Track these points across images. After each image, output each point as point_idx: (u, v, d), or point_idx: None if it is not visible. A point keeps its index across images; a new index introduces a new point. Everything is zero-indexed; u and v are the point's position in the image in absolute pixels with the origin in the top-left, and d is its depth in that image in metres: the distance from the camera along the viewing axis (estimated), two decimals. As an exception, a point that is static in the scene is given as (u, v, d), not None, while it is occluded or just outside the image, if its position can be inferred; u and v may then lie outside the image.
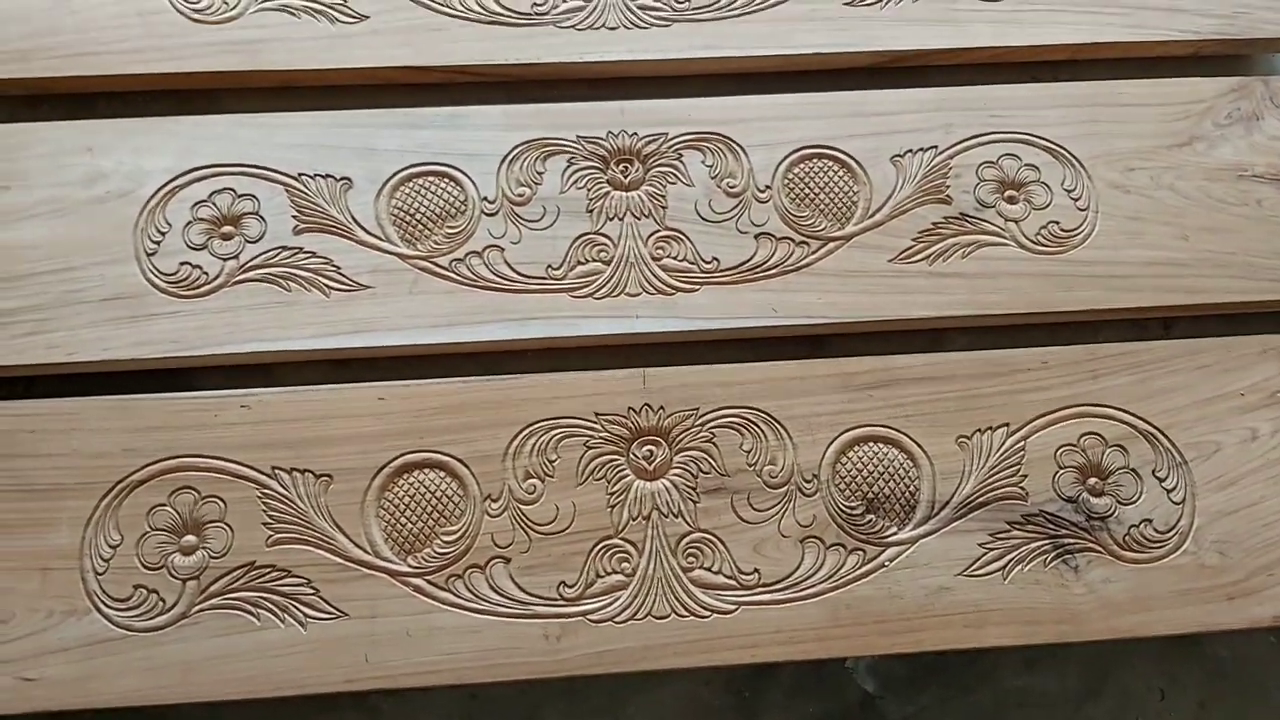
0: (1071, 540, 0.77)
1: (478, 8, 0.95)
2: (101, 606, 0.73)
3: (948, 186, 0.89)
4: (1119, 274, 0.87)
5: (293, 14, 0.94)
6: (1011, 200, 0.89)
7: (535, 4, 0.96)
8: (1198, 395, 0.82)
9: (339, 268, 0.85)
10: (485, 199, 0.88)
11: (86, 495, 0.75)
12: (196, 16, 0.93)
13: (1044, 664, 0.82)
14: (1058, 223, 0.89)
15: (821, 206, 0.89)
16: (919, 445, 0.79)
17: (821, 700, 0.80)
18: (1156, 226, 0.89)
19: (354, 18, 0.94)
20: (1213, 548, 0.77)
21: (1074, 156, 0.91)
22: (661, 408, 0.80)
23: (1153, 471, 0.79)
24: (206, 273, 0.84)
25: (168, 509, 0.75)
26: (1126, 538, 0.77)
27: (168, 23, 0.93)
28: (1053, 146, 0.91)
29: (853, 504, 0.77)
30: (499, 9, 0.95)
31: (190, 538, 0.75)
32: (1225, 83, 0.95)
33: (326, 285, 0.84)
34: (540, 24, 0.95)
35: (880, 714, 0.80)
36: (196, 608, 0.73)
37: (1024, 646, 0.80)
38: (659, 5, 0.96)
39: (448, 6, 0.95)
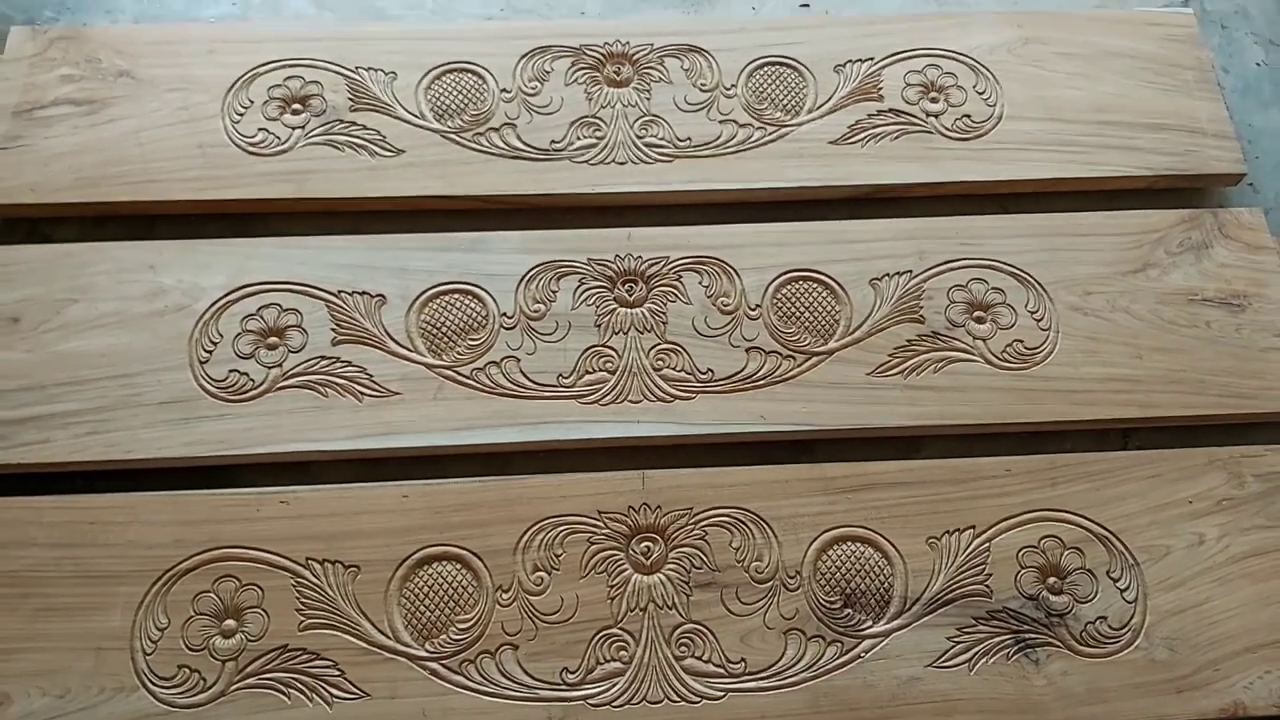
0: (1033, 635, 0.83)
1: (502, 144, 1.07)
2: (149, 684, 0.80)
3: (921, 307, 0.99)
4: (1079, 389, 0.96)
5: (337, 148, 1.06)
6: (980, 320, 0.99)
7: (553, 141, 1.07)
8: (1149, 502, 0.89)
9: (371, 375, 0.94)
10: (504, 314, 0.97)
11: (139, 582, 0.83)
12: (251, 149, 1.06)
13: (1013, 753, 0.87)
14: (1022, 341, 0.98)
15: (807, 324, 0.98)
16: (893, 545, 0.87)
17: (805, 785, 0.86)
18: (1113, 346, 0.98)
19: (391, 152, 1.06)
20: (1163, 644, 0.83)
21: (1037, 281, 1.01)
22: (659, 507, 0.88)
23: (1107, 572, 0.86)
24: (253, 379, 0.93)
25: (211, 595, 0.83)
26: (1083, 633, 0.84)
27: (225, 155, 1.05)
28: (1017, 271, 1.01)
29: (832, 599, 0.85)
30: (521, 145, 1.07)
31: (230, 622, 0.82)
32: (1177, 214, 1.05)
33: (360, 391, 0.93)
34: (558, 159, 1.07)
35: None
36: (234, 687, 0.80)
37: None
38: (663, 143, 1.07)
39: (474, 143, 1.07)
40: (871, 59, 1.13)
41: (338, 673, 0.81)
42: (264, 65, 1.10)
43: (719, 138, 1.08)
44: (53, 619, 0.82)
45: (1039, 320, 0.99)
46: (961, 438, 0.95)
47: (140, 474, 0.91)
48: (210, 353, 0.95)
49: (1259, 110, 1.19)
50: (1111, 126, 1.09)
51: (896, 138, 1.08)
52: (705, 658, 0.82)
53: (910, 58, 1.13)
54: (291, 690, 0.80)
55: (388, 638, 0.82)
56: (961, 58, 1.13)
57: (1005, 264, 1.01)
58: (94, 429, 0.91)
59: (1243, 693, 0.82)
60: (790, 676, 0.82)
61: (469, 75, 1.10)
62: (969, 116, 1.10)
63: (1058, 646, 0.83)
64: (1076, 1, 1.25)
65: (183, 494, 0.87)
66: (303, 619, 0.82)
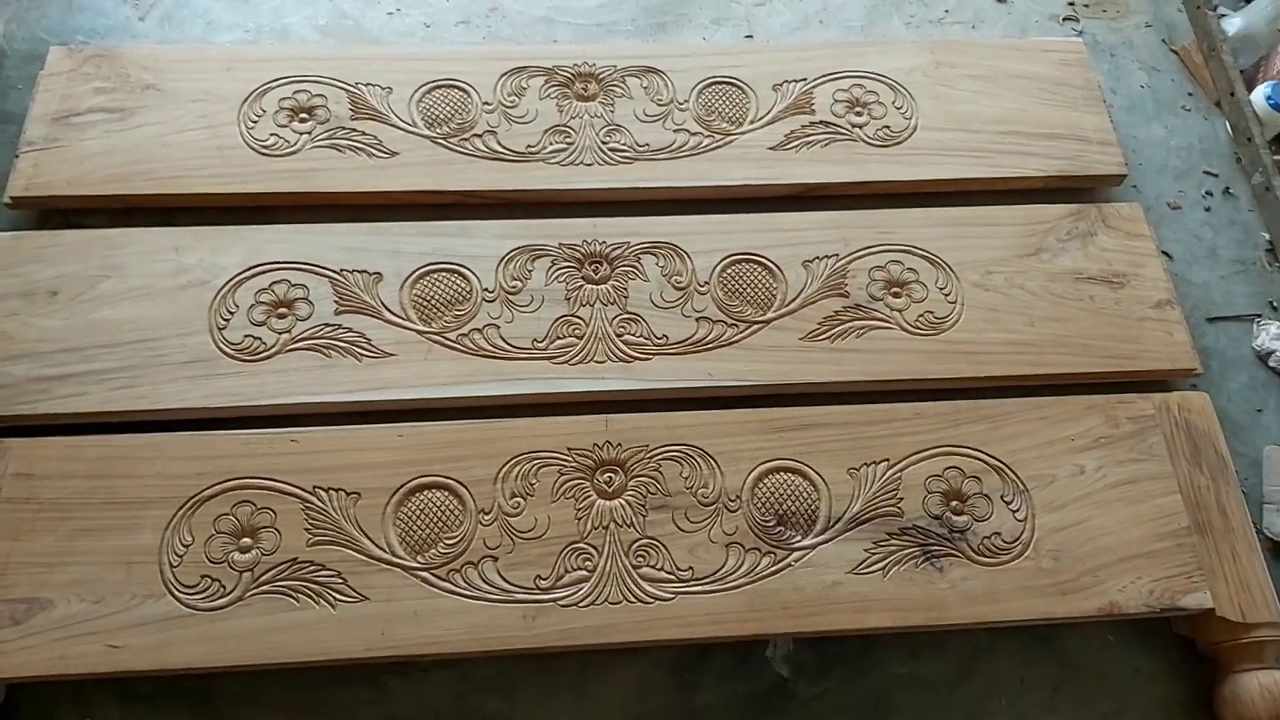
0: (937, 548, 0.98)
1: (484, 148, 1.22)
2: (175, 591, 0.92)
3: (846, 284, 1.15)
4: (980, 351, 1.11)
5: (339, 150, 1.21)
6: (896, 295, 1.14)
7: (529, 146, 1.23)
8: (1038, 440, 1.04)
9: (369, 340, 1.08)
10: (486, 289, 1.12)
11: (166, 507, 0.96)
12: (263, 151, 1.20)
13: (926, 654, 1.00)
14: (932, 312, 1.13)
15: (748, 298, 1.14)
16: (819, 474, 1.01)
17: (746, 682, 0.98)
18: (1010, 316, 1.14)
19: (386, 154, 1.21)
20: (1048, 555, 0.98)
21: (945, 262, 1.17)
22: (619, 445, 1.02)
23: (1001, 497, 1.01)
24: (265, 343, 1.07)
25: (230, 517, 0.96)
26: (980, 546, 0.98)
27: (240, 155, 1.20)
28: (929, 255, 1.17)
29: (767, 518, 0.98)
30: (500, 148, 1.22)
31: (247, 540, 0.95)
32: (1066, 208, 1.22)
33: (359, 353, 1.07)
34: (533, 160, 1.22)
35: (793, 694, 0.97)
36: (250, 593, 0.92)
37: (909, 639, 1.01)
38: (624, 148, 1.24)
39: (460, 147, 1.22)
40: (805, 79, 1.30)
41: (341, 581, 0.93)
42: (275, 80, 1.25)
43: (673, 144, 1.24)
44: (89, 538, 0.94)
45: (947, 295, 1.15)
46: (878, 393, 1.10)
47: (165, 424, 1.03)
48: (227, 320, 1.08)
49: (1142, 124, 1.37)
50: (1011, 136, 1.27)
51: (826, 145, 1.25)
52: (658, 566, 0.96)
53: (838, 78, 1.30)
54: (301, 595, 0.92)
55: (384, 552, 0.95)
56: (882, 78, 1.31)
57: (918, 249, 1.18)
58: (124, 384, 1.04)
59: (1117, 595, 0.96)
60: (731, 582, 0.95)
61: (455, 90, 1.26)
62: (888, 127, 1.27)
63: (958, 557, 0.97)
64: (983, 33, 1.44)
65: (204, 434, 1.00)
66: (310, 537, 0.95)
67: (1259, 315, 1.23)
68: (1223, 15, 1.42)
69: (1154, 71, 1.42)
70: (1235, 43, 1.38)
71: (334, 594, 0.93)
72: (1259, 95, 1.33)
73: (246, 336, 1.07)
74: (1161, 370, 1.12)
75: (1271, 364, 1.19)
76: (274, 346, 1.07)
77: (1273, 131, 1.34)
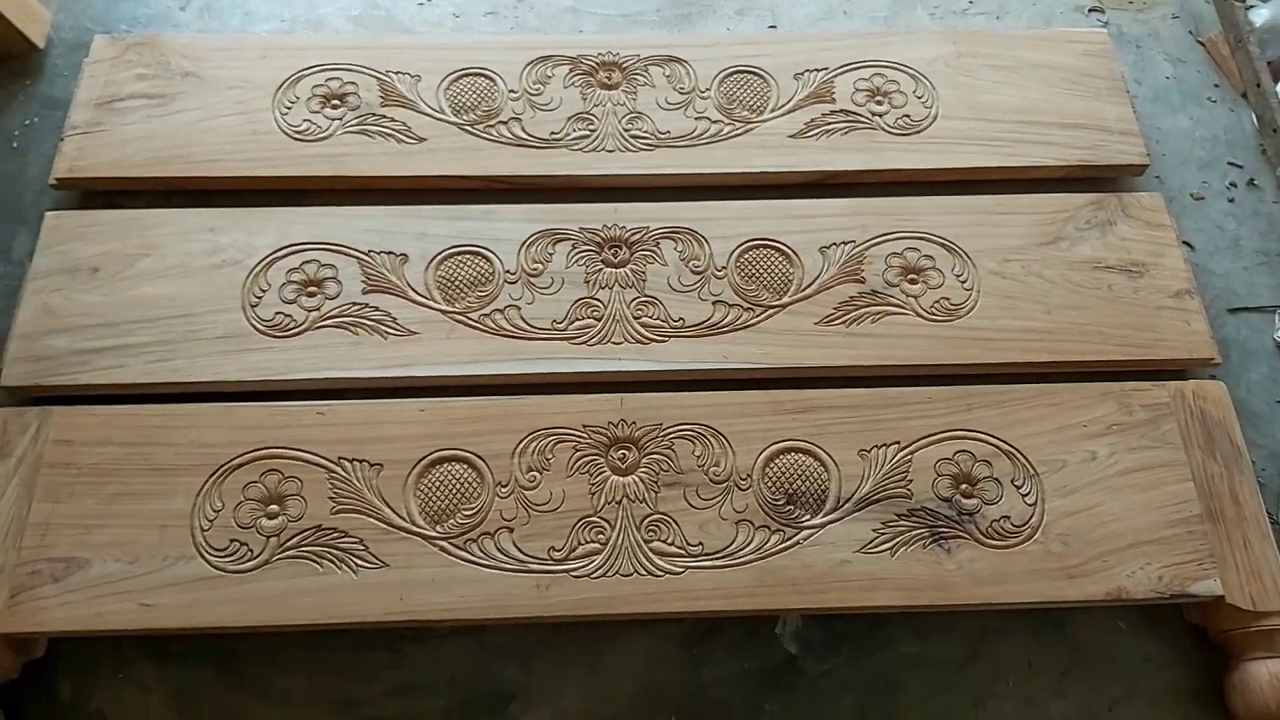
0: (945, 529, 0.99)
1: (509, 134, 1.25)
2: (205, 554, 0.96)
3: (863, 270, 1.16)
4: (996, 338, 1.12)
5: (369, 136, 1.25)
6: (912, 281, 1.16)
7: (553, 133, 1.26)
8: (1050, 425, 1.05)
9: (395, 319, 1.11)
10: (508, 271, 1.15)
11: (198, 474, 1.00)
12: (297, 136, 1.24)
13: (934, 635, 1.01)
14: (948, 298, 1.14)
15: (765, 283, 1.15)
16: (830, 455, 1.02)
17: (755, 658, 1.00)
18: (1026, 303, 1.14)
19: (415, 140, 1.24)
20: (1057, 539, 0.99)
21: (963, 250, 1.18)
22: (634, 423, 1.04)
23: (1011, 480, 1.02)
24: (295, 320, 1.11)
25: (259, 485, 0.99)
26: (989, 529, 0.99)
27: (275, 140, 1.24)
28: (946, 242, 1.18)
29: (777, 497, 1.00)
30: (525, 135, 1.25)
31: (274, 507, 0.98)
32: (1086, 197, 1.23)
33: (385, 331, 1.10)
34: (556, 147, 1.25)
35: (801, 670, 0.99)
36: (276, 557, 0.96)
37: (918, 619, 1.02)
38: (646, 135, 1.26)
39: (486, 134, 1.25)
40: (826, 68, 1.31)
41: (362, 548, 0.97)
42: (309, 68, 1.29)
43: (694, 131, 1.26)
44: (126, 502, 0.98)
45: (963, 282, 1.16)
46: (892, 378, 1.11)
47: (199, 396, 1.07)
48: (260, 298, 1.12)
49: (1167, 115, 1.37)
50: (1032, 125, 1.28)
51: (846, 133, 1.27)
52: (669, 541, 0.98)
53: (859, 68, 1.32)
54: (324, 561, 0.96)
55: (405, 521, 0.98)
56: (904, 68, 1.32)
57: (936, 236, 1.19)
58: (160, 358, 1.08)
59: (1125, 580, 0.97)
60: (740, 558, 0.97)
61: (482, 79, 1.30)
62: (909, 116, 1.28)
63: (966, 539, 0.99)
64: (1007, 24, 1.44)
65: (236, 405, 1.04)
66: (334, 505, 0.98)
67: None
68: (1250, 6, 1.41)
69: (1180, 63, 1.42)
70: (1263, 34, 1.37)
71: (356, 560, 0.96)
72: (1286, 86, 1.32)
73: (277, 314, 1.11)
74: (1179, 359, 1.12)
75: (1292, 355, 1.19)
76: (304, 323, 1.11)
77: (1300, 123, 1.33)
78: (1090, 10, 1.47)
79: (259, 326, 1.10)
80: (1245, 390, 1.17)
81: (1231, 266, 1.25)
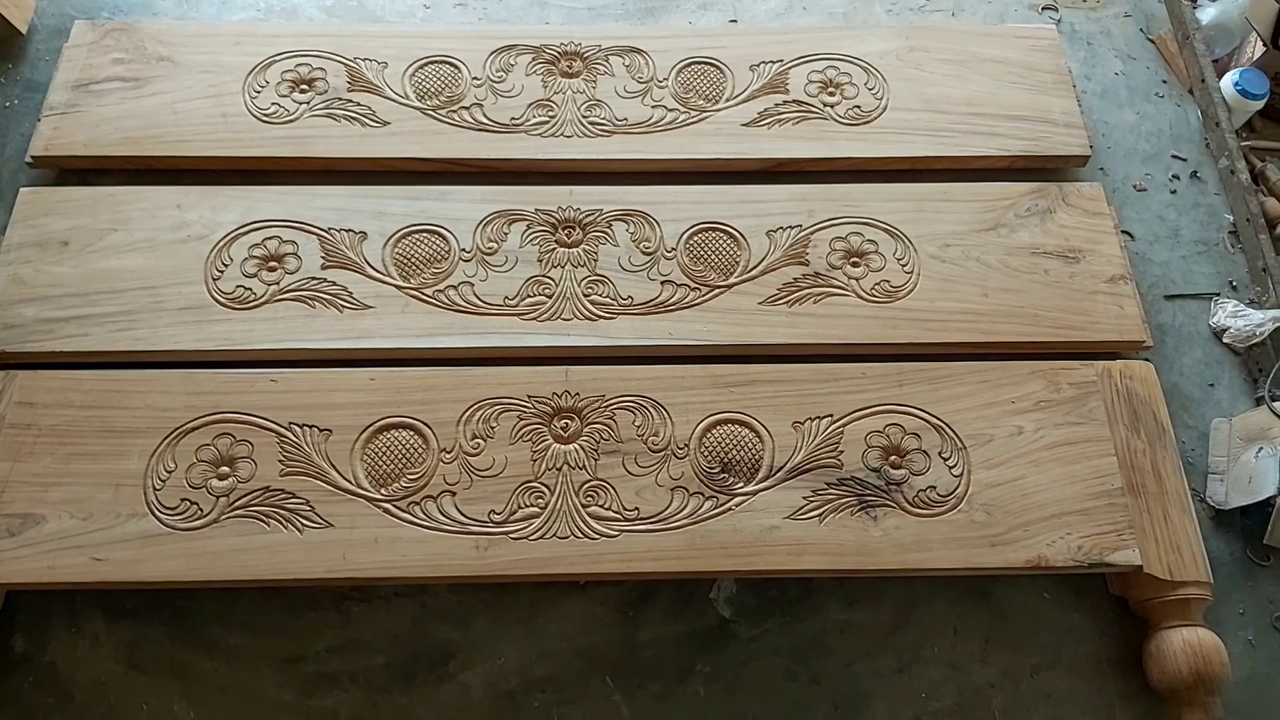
0: (873, 498, 1.02)
1: (470, 119, 1.29)
2: (156, 512, 0.99)
3: (807, 254, 1.20)
4: (933, 319, 1.16)
5: (335, 120, 1.29)
6: (855, 265, 1.19)
7: (513, 118, 1.30)
8: (978, 401, 1.08)
9: (351, 293, 1.15)
10: (464, 250, 1.19)
11: (153, 436, 1.03)
12: (264, 119, 1.28)
13: (864, 603, 1.04)
14: (888, 281, 1.18)
15: (712, 264, 1.19)
16: (764, 427, 1.06)
17: (689, 621, 1.03)
18: (964, 286, 1.18)
19: (378, 124, 1.28)
20: (981, 509, 1.02)
21: (905, 235, 1.21)
22: (577, 394, 1.08)
23: (939, 453, 1.05)
24: (255, 293, 1.15)
25: (210, 447, 1.03)
26: (915, 498, 1.02)
27: (243, 123, 1.28)
28: (889, 227, 1.22)
29: (712, 465, 1.04)
30: (485, 120, 1.29)
31: (225, 468, 1.02)
32: (1028, 186, 1.26)
33: (342, 305, 1.14)
34: (515, 131, 1.29)
35: (733, 634, 1.02)
36: (225, 516, 0.99)
37: (848, 587, 1.05)
38: (603, 121, 1.30)
39: (448, 118, 1.29)
40: (781, 60, 1.35)
41: (309, 508, 1.00)
42: (279, 54, 1.34)
43: (650, 119, 1.30)
44: (83, 462, 1.02)
45: (904, 265, 1.19)
46: (831, 356, 1.14)
47: (160, 365, 1.11)
48: (222, 272, 1.16)
49: (1115, 110, 1.41)
50: (978, 117, 1.31)
51: (798, 123, 1.31)
52: (606, 506, 1.01)
53: (813, 60, 1.36)
54: (271, 520, 0.99)
55: (350, 484, 1.02)
56: (856, 61, 1.35)
57: (879, 221, 1.22)
58: (124, 327, 1.12)
59: (1046, 549, 1.00)
60: (674, 522, 1.01)
61: (447, 66, 1.34)
62: (859, 107, 1.32)
63: (893, 507, 1.02)
64: (962, 21, 1.48)
65: (192, 371, 1.08)
66: (284, 468, 1.02)
67: (1217, 294, 1.26)
68: (1198, 5, 1.45)
69: (1130, 60, 1.45)
70: (1209, 31, 1.41)
71: (302, 520, 1.00)
72: (1228, 82, 1.36)
73: (238, 287, 1.15)
74: (1110, 342, 1.15)
75: (1225, 340, 1.22)
76: (263, 296, 1.14)
77: (1241, 118, 1.36)
78: (1044, 9, 1.50)
79: (220, 299, 1.14)
80: (1178, 374, 1.20)
81: (1170, 255, 1.29)
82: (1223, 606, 1.07)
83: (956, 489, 1.03)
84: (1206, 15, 1.42)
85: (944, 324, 1.15)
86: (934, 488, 1.03)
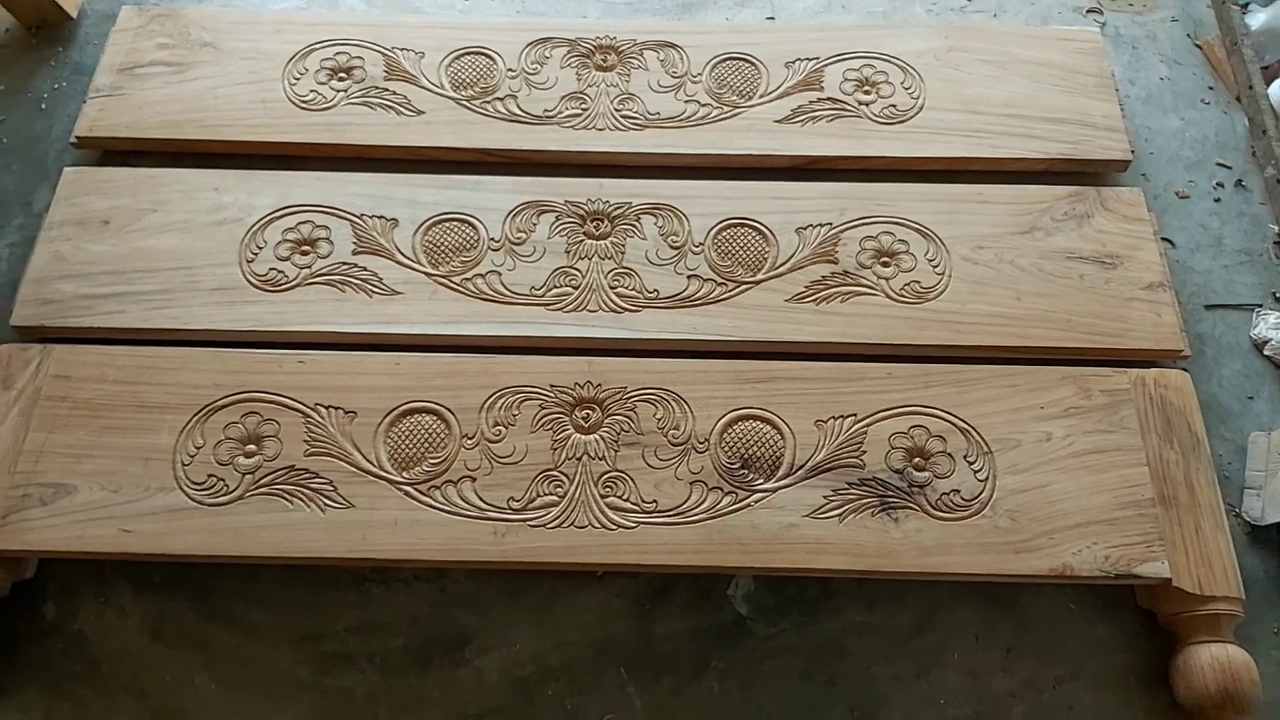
0: (895, 500, 1.01)
1: (504, 110, 1.30)
2: (184, 487, 1.01)
3: (837, 252, 1.19)
4: (963, 321, 1.14)
5: (370, 108, 1.30)
6: (885, 264, 1.18)
7: (546, 110, 1.30)
8: (1007, 405, 1.07)
9: (381, 279, 1.16)
10: (493, 239, 1.19)
11: (183, 412, 1.05)
12: (302, 105, 1.30)
13: (884, 605, 1.03)
14: (919, 282, 1.16)
15: (740, 260, 1.18)
16: (787, 424, 1.05)
17: (705, 617, 1.02)
18: (996, 290, 1.16)
19: (413, 112, 1.30)
20: (1006, 515, 1.00)
21: (938, 236, 1.20)
22: (600, 385, 1.08)
23: (964, 456, 1.03)
24: (287, 276, 1.16)
25: (238, 425, 1.05)
26: (938, 502, 1.01)
27: (282, 109, 1.30)
28: (921, 228, 1.20)
29: (732, 461, 1.03)
30: (518, 111, 1.30)
31: (251, 446, 1.04)
32: (1065, 189, 1.24)
33: (371, 290, 1.15)
34: (548, 123, 1.29)
35: (749, 631, 1.02)
36: (250, 493, 1.01)
37: (868, 589, 1.04)
38: (635, 115, 1.30)
39: (482, 109, 1.30)
40: (817, 58, 1.34)
41: (331, 488, 1.01)
42: (319, 43, 1.35)
43: (683, 114, 1.30)
44: (114, 435, 1.04)
45: (935, 266, 1.18)
46: (858, 355, 1.13)
47: (192, 343, 1.13)
48: (256, 254, 1.18)
49: (1158, 115, 1.38)
50: (1017, 119, 1.29)
51: (831, 120, 1.30)
52: (625, 497, 1.01)
53: (850, 59, 1.34)
54: (294, 499, 1.01)
55: (373, 465, 1.03)
56: (893, 60, 1.34)
57: (911, 221, 1.21)
58: (159, 305, 1.14)
59: (1071, 558, 0.98)
60: (692, 516, 1.00)
61: (483, 57, 1.35)
62: (895, 106, 1.30)
63: (915, 510, 1.01)
64: (1004, 22, 1.46)
65: (222, 350, 1.10)
66: (308, 447, 1.03)
67: (1259, 305, 1.23)
68: (1248, 10, 1.42)
69: (1175, 65, 1.42)
70: (1259, 38, 1.38)
71: (324, 499, 1.01)
72: (1276, 89, 1.32)
73: (271, 269, 1.17)
74: (1146, 350, 1.13)
75: (1267, 352, 1.19)
76: (295, 279, 1.16)
77: (1290, 126, 1.33)
78: (1088, 11, 1.48)
79: (253, 281, 1.16)
80: (1217, 385, 1.18)
81: (1212, 264, 1.26)
82: (1256, 624, 1.04)
83: (981, 493, 1.02)
84: (1256, 21, 1.39)
85: (974, 327, 1.14)
86: (958, 491, 1.02)
